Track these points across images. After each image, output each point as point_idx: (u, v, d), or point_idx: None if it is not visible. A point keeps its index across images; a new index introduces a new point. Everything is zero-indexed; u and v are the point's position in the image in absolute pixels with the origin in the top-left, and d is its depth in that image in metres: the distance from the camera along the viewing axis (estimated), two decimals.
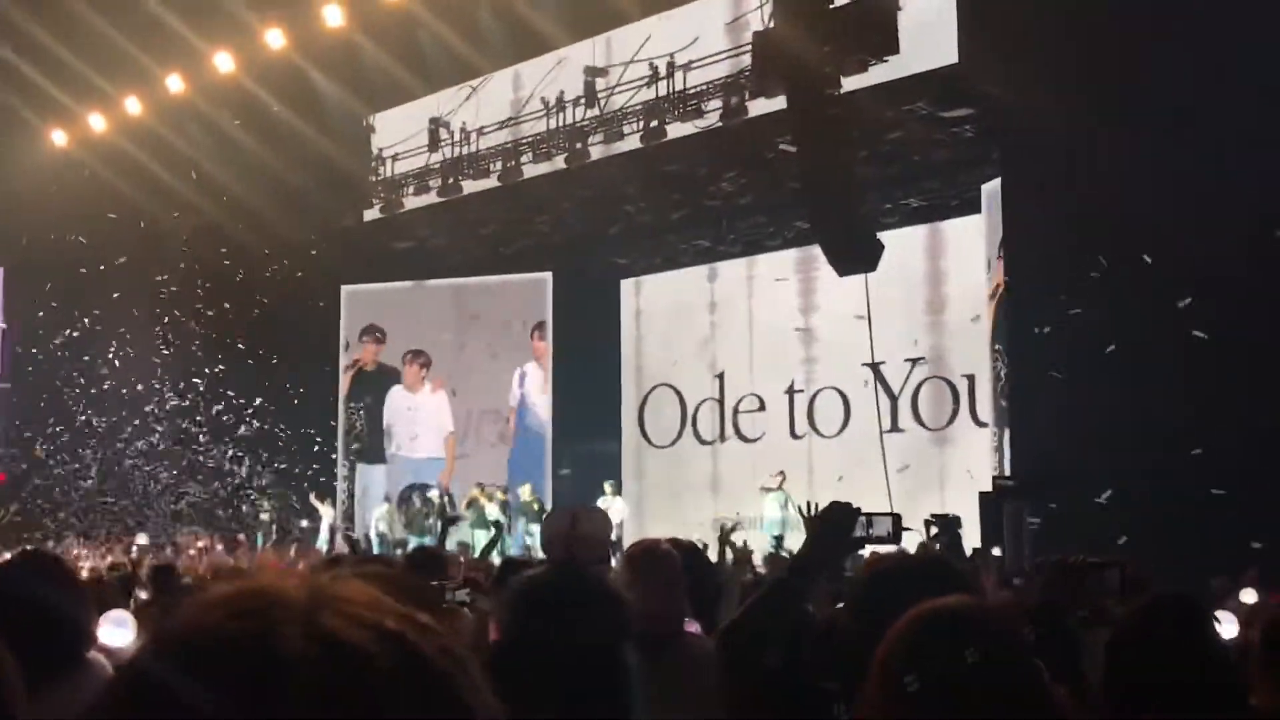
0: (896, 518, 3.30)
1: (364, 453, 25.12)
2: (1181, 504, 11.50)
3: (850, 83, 15.40)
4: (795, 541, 17.49)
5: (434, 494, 22.78)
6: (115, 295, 24.67)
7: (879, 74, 15.72)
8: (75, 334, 25.00)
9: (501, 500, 21.77)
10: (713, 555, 7.41)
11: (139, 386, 25.37)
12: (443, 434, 24.61)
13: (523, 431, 24.12)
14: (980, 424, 18.78)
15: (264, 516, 23.87)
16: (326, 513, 23.14)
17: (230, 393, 25.01)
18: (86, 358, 25.11)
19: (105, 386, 25.23)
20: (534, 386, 24.13)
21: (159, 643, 0.78)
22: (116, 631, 4.48)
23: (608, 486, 21.03)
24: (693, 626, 4.18)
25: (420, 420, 24.86)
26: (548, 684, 2.36)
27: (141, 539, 21.06)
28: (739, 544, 11.72)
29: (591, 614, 2.57)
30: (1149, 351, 12.25)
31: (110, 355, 25.19)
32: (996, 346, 17.02)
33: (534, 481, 22.42)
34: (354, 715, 0.72)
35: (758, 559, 12.94)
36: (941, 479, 18.62)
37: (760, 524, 19.23)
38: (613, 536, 17.68)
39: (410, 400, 24.96)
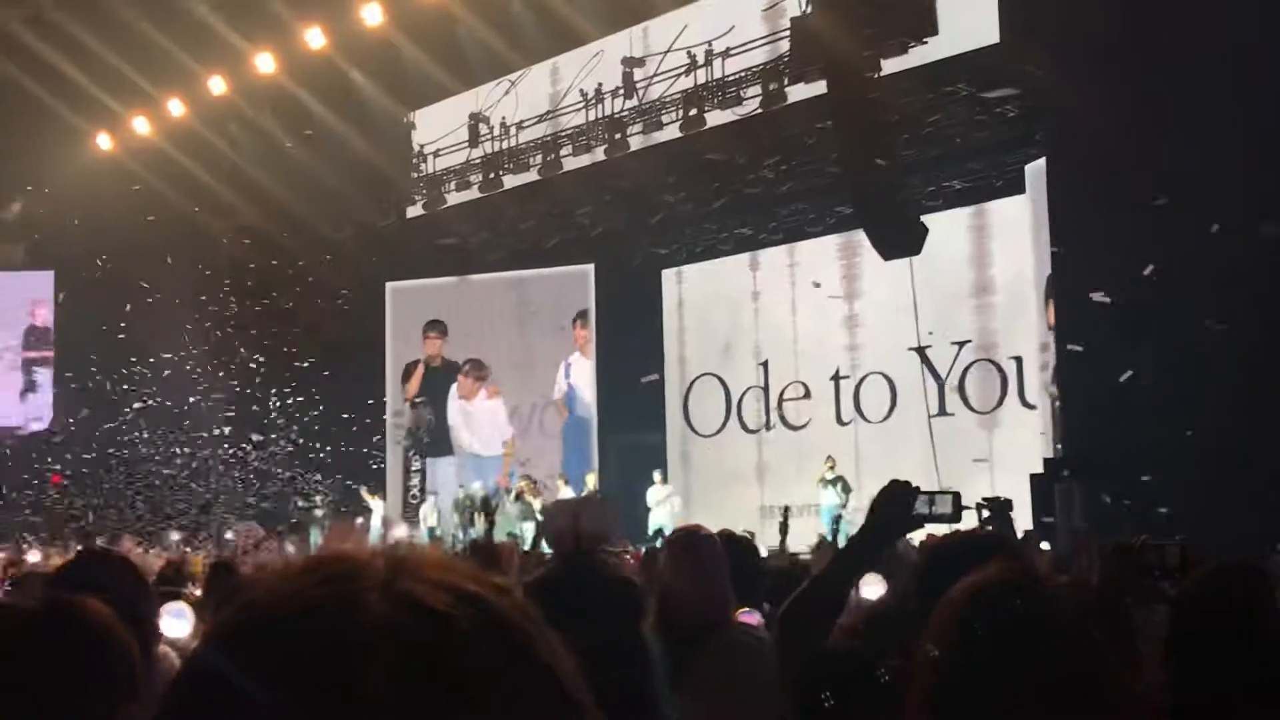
0: (957, 496, 3.29)
1: (431, 446, 25.30)
2: (1233, 483, 11.37)
3: (890, 65, 15.34)
4: (853, 528, 17.43)
5: (475, 487, 22.91)
6: (159, 295, 24.91)
7: (919, 56, 15.64)
8: (122, 333, 25.27)
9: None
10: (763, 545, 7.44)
11: (185, 386, 25.59)
12: (500, 438, 24.77)
13: (572, 421, 24.23)
14: (1029, 406, 18.65)
15: (317, 512, 24.05)
16: (377, 506, 23.30)
17: (276, 390, 25.21)
18: (134, 356, 25.38)
19: (152, 387, 25.49)
20: (580, 375, 24.24)
21: (244, 610, 0.79)
22: (175, 623, 4.54)
23: (656, 475, 21.06)
24: (752, 617, 4.18)
25: (475, 427, 25.06)
26: None
27: (175, 535, 21.31)
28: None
29: (603, 600, 2.59)
30: (1199, 329, 12.11)
31: (156, 354, 25.43)
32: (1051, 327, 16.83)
33: (583, 471, 22.50)
34: (437, 676, 0.73)
35: (804, 546, 12.88)
36: (991, 462, 18.51)
37: (818, 512, 19.15)
38: (619, 521, 17.78)
39: (466, 407, 25.15)
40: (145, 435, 25.57)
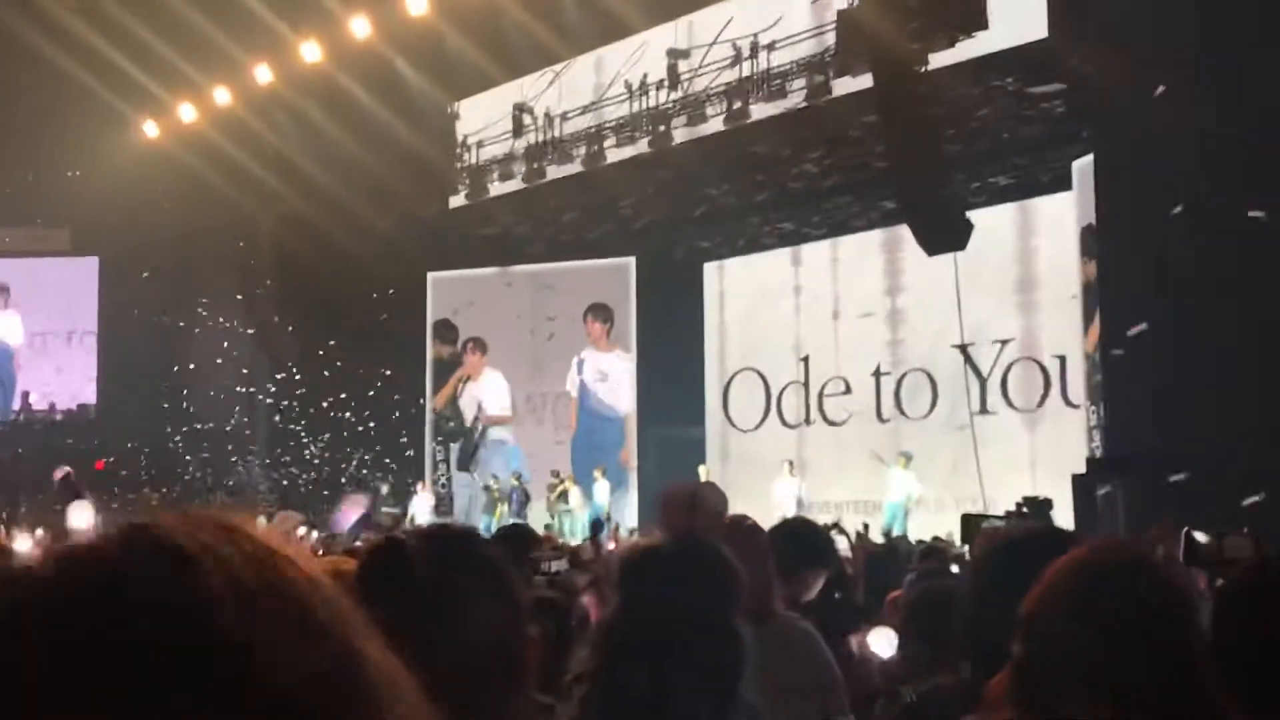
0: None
1: (455, 434, 25.36)
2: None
3: (937, 59, 15.20)
4: (915, 525, 17.33)
5: (495, 476, 23.04)
6: (203, 283, 25.09)
7: (966, 50, 15.50)
8: (165, 322, 25.46)
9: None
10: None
11: (227, 374, 25.78)
12: (502, 413, 24.79)
13: (585, 417, 24.13)
14: (1072, 405, 18.47)
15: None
16: (427, 498, 23.41)
17: (316, 379, 25.32)
18: (176, 345, 25.56)
19: (194, 378, 25.68)
20: (592, 372, 24.17)
21: None
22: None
23: (786, 468, 20.81)
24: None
25: (486, 406, 25.05)
26: (662, 651, 2.39)
27: None
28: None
29: (706, 581, 2.58)
30: (1248, 326, 11.92)
31: (199, 343, 25.61)
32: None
33: (604, 465, 22.44)
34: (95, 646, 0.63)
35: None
36: (1033, 462, 18.34)
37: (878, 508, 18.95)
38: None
39: (475, 387, 25.13)
40: (185, 416, 25.75)
